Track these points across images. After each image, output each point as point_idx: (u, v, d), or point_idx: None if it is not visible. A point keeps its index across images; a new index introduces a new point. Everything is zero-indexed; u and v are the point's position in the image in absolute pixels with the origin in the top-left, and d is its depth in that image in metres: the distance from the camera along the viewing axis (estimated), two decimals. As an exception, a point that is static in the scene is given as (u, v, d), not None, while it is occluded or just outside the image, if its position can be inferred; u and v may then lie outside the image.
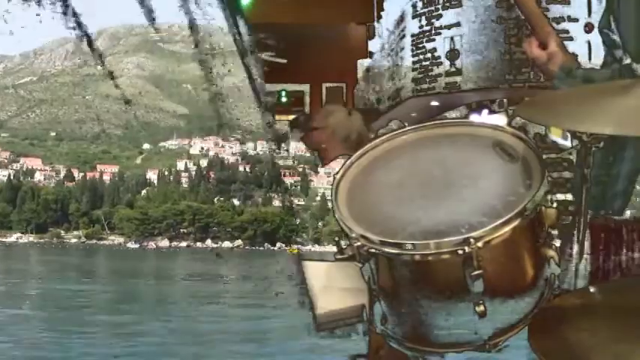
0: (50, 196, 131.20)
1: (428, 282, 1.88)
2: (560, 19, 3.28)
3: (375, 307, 2.05)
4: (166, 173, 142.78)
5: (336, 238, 2.02)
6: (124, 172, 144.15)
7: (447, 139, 2.13)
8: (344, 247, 1.98)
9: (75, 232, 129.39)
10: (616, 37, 2.46)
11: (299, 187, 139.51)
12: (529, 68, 3.36)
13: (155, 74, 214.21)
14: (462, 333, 1.92)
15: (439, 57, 3.63)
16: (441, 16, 3.61)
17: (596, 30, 2.62)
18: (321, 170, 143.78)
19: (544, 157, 1.95)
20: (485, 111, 2.38)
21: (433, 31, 3.63)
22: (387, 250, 1.85)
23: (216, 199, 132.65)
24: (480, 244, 1.77)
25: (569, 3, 3.33)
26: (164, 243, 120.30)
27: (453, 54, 3.59)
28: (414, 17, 3.73)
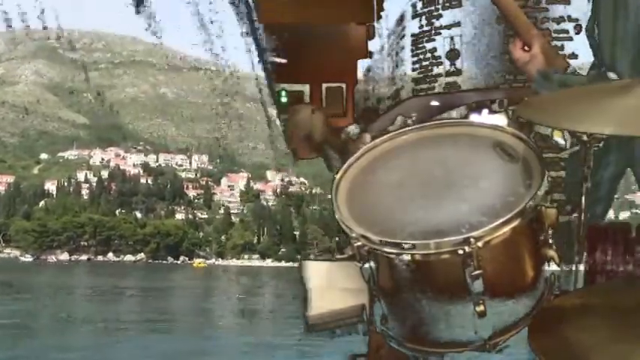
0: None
1: (428, 282, 1.88)
2: (560, 19, 3.28)
3: (375, 307, 2.05)
4: (66, 184, 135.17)
5: (337, 238, 2.02)
6: (20, 182, 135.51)
7: (447, 139, 2.13)
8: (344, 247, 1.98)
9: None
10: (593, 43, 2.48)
11: (202, 199, 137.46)
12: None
13: (54, 82, 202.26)
14: (462, 333, 1.92)
15: (439, 57, 3.63)
16: (441, 16, 3.61)
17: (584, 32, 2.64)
18: (223, 183, 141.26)
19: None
20: (485, 111, 2.38)
21: (433, 31, 3.63)
22: (387, 250, 1.86)
23: (117, 212, 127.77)
24: (480, 243, 1.77)
25: (569, 3, 3.33)
26: (64, 256, 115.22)
27: (453, 54, 3.60)
28: (414, 17, 3.73)
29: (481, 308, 1.82)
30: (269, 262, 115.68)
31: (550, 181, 1.91)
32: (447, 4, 3.54)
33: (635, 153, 2.39)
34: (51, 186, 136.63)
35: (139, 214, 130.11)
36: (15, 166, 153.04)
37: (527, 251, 1.92)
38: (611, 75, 2.34)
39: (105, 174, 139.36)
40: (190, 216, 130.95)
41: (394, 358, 2.29)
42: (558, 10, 3.31)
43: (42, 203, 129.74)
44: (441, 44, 3.57)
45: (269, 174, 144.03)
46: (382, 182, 2.06)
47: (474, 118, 2.32)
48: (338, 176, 2.07)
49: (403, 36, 3.77)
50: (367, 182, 2.07)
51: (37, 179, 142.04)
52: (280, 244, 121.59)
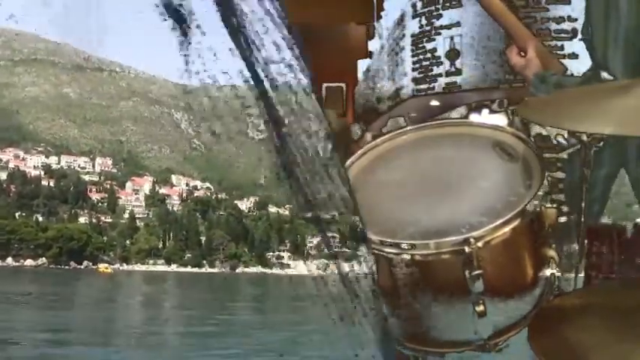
0: None
1: (428, 282, 1.88)
2: (560, 20, 3.28)
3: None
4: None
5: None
6: None
7: (447, 139, 2.13)
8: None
9: None
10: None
11: (106, 203, 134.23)
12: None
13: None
14: (462, 333, 1.92)
15: (439, 57, 3.63)
16: (441, 16, 3.61)
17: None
18: (128, 187, 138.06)
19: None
20: (485, 111, 2.39)
21: (433, 31, 3.63)
22: (387, 250, 1.86)
23: (17, 215, 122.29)
24: (480, 244, 1.77)
25: (569, 3, 3.32)
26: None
27: (453, 54, 3.60)
28: (414, 17, 3.73)
29: (481, 308, 1.82)
30: (174, 268, 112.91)
31: (550, 182, 1.91)
32: (447, 4, 3.53)
33: (628, 153, 2.40)
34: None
35: (40, 218, 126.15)
36: None
37: (527, 251, 1.92)
38: (605, 75, 2.35)
39: (3, 175, 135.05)
40: (94, 220, 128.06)
41: (394, 358, 2.29)
42: (558, 10, 3.31)
43: None
44: (441, 44, 3.57)
45: (174, 178, 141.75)
46: (382, 182, 2.06)
47: (473, 118, 2.33)
48: (338, 176, 2.07)
49: (403, 36, 3.77)
50: (367, 182, 2.07)
51: None
52: (186, 250, 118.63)
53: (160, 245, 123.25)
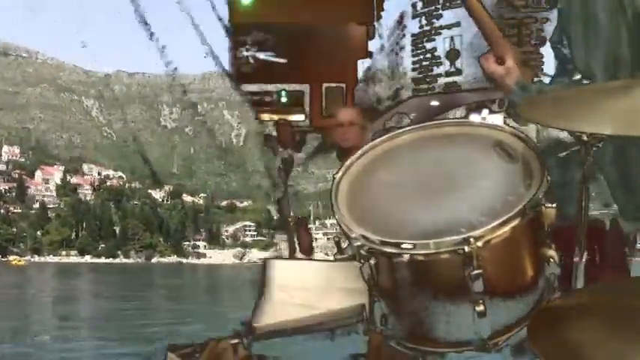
0: None
1: (428, 282, 1.88)
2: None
3: (375, 307, 2.05)
4: None
5: (336, 238, 2.03)
6: None
7: (447, 139, 2.13)
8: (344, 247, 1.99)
9: None
10: (567, 52, 2.51)
11: (14, 193, 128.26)
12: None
13: None
14: (461, 333, 1.92)
15: (439, 57, 3.64)
16: (441, 16, 3.62)
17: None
18: (37, 176, 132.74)
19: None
20: (485, 111, 2.39)
21: (433, 31, 3.64)
22: (386, 249, 1.85)
23: None
24: (479, 243, 1.77)
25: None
26: None
27: (453, 54, 3.60)
28: (414, 17, 3.74)
29: (481, 308, 1.82)
30: (88, 259, 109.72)
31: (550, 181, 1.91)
32: (447, 4, 3.54)
33: (605, 158, 2.42)
34: None
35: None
36: None
37: (527, 251, 1.92)
38: (585, 82, 2.39)
39: None
40: (2, 210, 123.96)
41: (394, 358, 2.29)
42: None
43: None
44: (441, 44, 3.58)
45: (85, 167, 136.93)
46: (382, 182, 2.06)
47: (473, 118, 2.33)
48: (338, 176, 2.07)
49: (403, 36, 3.77)
50: (367, 182, 2.07)
51: None
52: (100, 240, 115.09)
53: (73, 236, 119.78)
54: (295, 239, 4.33)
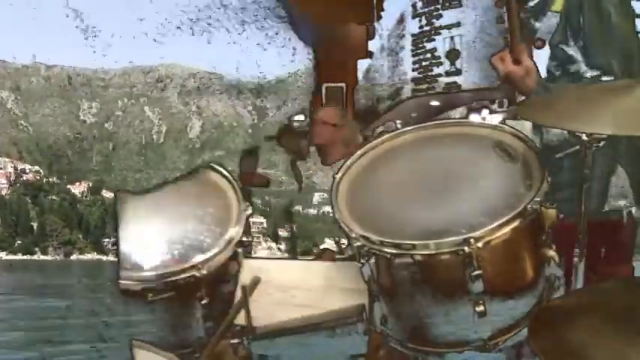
0: None
1: (428, 282, 1.88)
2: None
3: (374, 307, 2.05)
4: None
5: (337, 238, 2.03)
6: None
7: (447, 139, 2.13)
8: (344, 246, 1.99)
9: None
10: (572, 52, 2.49)
11: None
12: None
13: None
14: (461, 333, 1.92)
15: (439, 57, 3.63)
16: (441, 16, 3.61)
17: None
18: None
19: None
20: (485, 111, 2.39)
21: (433, 31, 3.64)
22: (387, 250, 1.85)
23: None
24: (480, 244, 1.77)
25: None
26: None
27: (453, 54, 3.60)
28: (414, 17, 3.73)
29: (481, 308, 1.82)
30: (4, 255, 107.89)
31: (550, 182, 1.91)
32: (447, 4, 3.54)
33: (621, 147, 2.43)
34: None
35: None
36: None
37: (527, 251, 1.92)
38: (604, 79, 2.39)
39: None
40: None
41: (394, 358, 2.29)
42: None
43: None
44: (441, 44, 3.58)
45: (0, 161, 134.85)
46: (382, 182, 2.06)
47: (473, 118, 2.32)
48: (338, 176, 2.07)
49: (403, 36, 3.77)
50: (367, 182, 2.06)
51: None
52: (16, 236, 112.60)
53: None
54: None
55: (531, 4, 2.69)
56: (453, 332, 1.93)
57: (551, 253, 1.93)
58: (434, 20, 3.62)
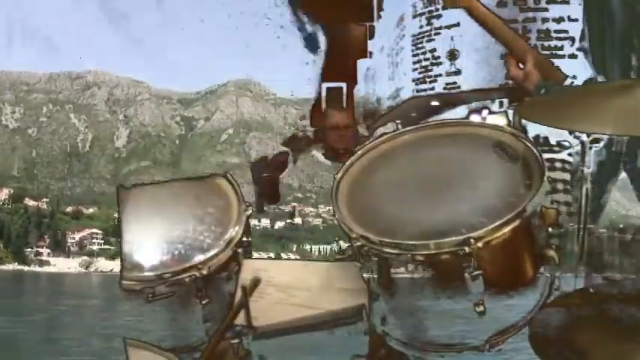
0: None
1: (428, 282, 1.88)
2: (560, 19, 3.28)
3: (374, 307, 2.05)
4: None
5: (337, 238, 2.03)
6: None
7: (447, 139, 2.13)
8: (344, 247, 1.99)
9: None
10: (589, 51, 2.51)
11: None
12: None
13: None
14: (461, 333, 1.92)
15: (439, 57, 3.63)
16: (441, 16, 3.61)
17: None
18: None
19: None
20: (485, 111, 2.39)
21: (433, 31, 3.63)
22: (386, 250, 1.85)
23: None
24: (479, 244, 1.77)
25: (568, 2, 3.33)
26: None
27: (452, 54, 3.60)
28: (414, 17, 3.73)
29: (481, 308, 1.82)
30: None
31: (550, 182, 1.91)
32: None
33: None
34: None
35: None
36: None
37: (527, 251, 1.92)
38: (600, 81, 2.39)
39: None
40: None
41: (394, 358, 2.29)
42: (558, 9, 3.31)
43: None
44: (441, 44, 3.58)
45: None
46: (382, 182, 2.06)
47: (474, 118, 2.33)
48: (338, 176, 2.07)
49: (403, 36, 3.77)
50: (367, 182, 2.07)
51: None
52: None
53: None
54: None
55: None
56: (452, 332, 1.93)
57: (551, 253, 1.93)
58: (434, 20, 3.62)
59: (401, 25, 3.82)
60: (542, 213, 1.89)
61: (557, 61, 2.73)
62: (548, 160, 2.86)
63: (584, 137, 1.92)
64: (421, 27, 3.64)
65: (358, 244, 1.89)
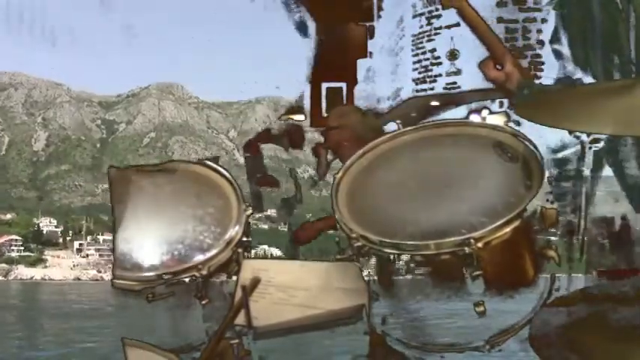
0: None
1: (428, 282, 1.88)
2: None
3: (374, 308, 2.05)
4: None
5: (337, 239, 2.03)
6: None
7: (447, 139, 2.13)
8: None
9: None
10: (565, 51, 2.52)
11: None
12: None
13: None
14: (461, 333, 1.92)
15: (439, 57, 3.63)
16: (440, 16, 3.60)
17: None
18: None
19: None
20: (485, 111, 2.39)
21: (433, 31, 3.63)
22: (387, 250, 1.85)
23: None
24: (480, 244, 1.77)
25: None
26: None
27: (453, 54, 3.59)
28: (414, 17, 3.72)
29: (481, 309, 1.82)
30: None
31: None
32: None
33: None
34: None
35: None
36: None
37: (528, 251, 1.92)
38: (585, 81, 2.40)
39: None
40: None
41: (394, 359, 2.29)
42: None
43: None
44: (441, 44, 3.57)
45: None
46: (382, 182, 2.06)
47: (474, 118, 2.33)
48: (338, 176, 2.07)
49: (403, 36, 3.76)
50: (367, 182, 2.06)
51: None
52: None
53: None
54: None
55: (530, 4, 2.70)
56: (452, 332, 1.93)
57: (551, 253, 1.93)
58: (434, 20, 3.61)
59: (401, 25, 3.82)
60: (542, 213, 1.89)
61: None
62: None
63: (584, 137, 1.91)
64: (421, 27, 3.63)
65: (358, 244, 1.89)
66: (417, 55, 3.66)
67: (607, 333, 1.52)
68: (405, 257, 1.84)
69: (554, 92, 2.37)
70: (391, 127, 2.39)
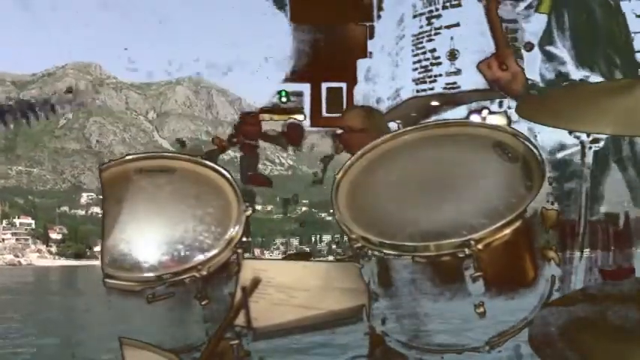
0: None
1: (428, 283, 1.88)
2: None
3: (374, 308, 2.05)
4: None
5: (337, 239, 2.02)
6: None
7: (447, 139, 2.13)
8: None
9: None
10: (561, 53, 2.51)
11: None
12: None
13: None
14: (461, 334, 1.92)
15: (439, 57, 3.63)
16: (440, 16, 3.60)
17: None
18: None
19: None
20: (485, 111, 2.39)
21: (433, 31, 3.63)
22: (386, 251, 1.85)
23: None
24: (480, 245, 1.77)
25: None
26: None
27: (452, 54, 3.59)
28: (414, 17, 3.72)
29: (481, 310, 1.82)
30: None
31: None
32: (447, 4, 3.53)
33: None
34: None
35: None
36: None
37: (528, 252, 1.92)
38: (590, 81, 2.41)
39: None
40: None
41: (393, 359, 2.29)
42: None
43: None
44: (441, 44, 3.57)
45: None
46: (382, 183, 2.05)
47: (474, 118, 2.33)
48: (338, 177, 2.06)
49: (403, 36, 3.76)
50: (367, 183, 2.06)
51: None
52: None
53: None
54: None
55: (520, 7, 2.70)
56: (452, 333, 1.93)
57: (552, 254, 1.93)
58: (434, 20, 3.61)
59: (401, 25, 3.81)
60: (542, 214, 1.89)
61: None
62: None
63: (584, 137, 1.91)
64: (421, 27, 3.63)
65: (358, 245, 1.89)
66: (417, 55, 3.66)
67: (607, 333, 1.52)
68: (405, 258, 1.84)
69: (554, 92, 2.37)
70: (391, 127, 2.39)
